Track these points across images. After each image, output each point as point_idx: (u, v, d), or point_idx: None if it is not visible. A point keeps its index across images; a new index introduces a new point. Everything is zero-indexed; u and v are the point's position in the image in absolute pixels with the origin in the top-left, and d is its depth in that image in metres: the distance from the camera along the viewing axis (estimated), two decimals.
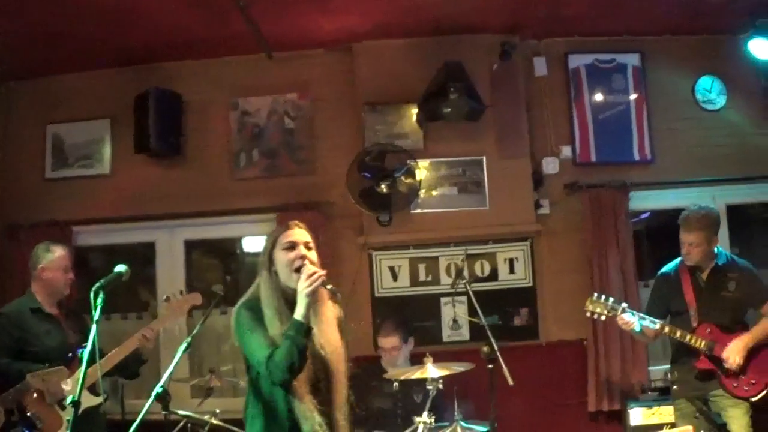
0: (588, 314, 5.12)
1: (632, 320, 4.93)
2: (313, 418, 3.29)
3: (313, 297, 3.29)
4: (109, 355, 4.85)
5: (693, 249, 5.04)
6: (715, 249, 5.12)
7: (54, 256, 5.07)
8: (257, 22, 5.97)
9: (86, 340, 4.93)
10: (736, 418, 4.84)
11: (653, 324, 4.95)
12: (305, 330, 3.24)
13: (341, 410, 3.44)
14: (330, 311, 3.52)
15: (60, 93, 6.90)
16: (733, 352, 4.79)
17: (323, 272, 3.32)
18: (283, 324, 3.29)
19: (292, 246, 3.43)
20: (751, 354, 4.85)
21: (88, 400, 4.72)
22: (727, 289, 5.01)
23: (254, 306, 3.41)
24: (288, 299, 3.37)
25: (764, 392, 4.83)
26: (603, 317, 5.08)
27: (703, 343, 4.85)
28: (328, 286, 3.37)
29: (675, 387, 5.19)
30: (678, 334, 4.89)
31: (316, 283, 3.26)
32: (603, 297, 5.07)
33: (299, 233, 3.50)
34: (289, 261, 3.40)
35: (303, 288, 3.26)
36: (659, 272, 5.38)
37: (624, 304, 5.02)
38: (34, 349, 4.89)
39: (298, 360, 3.20)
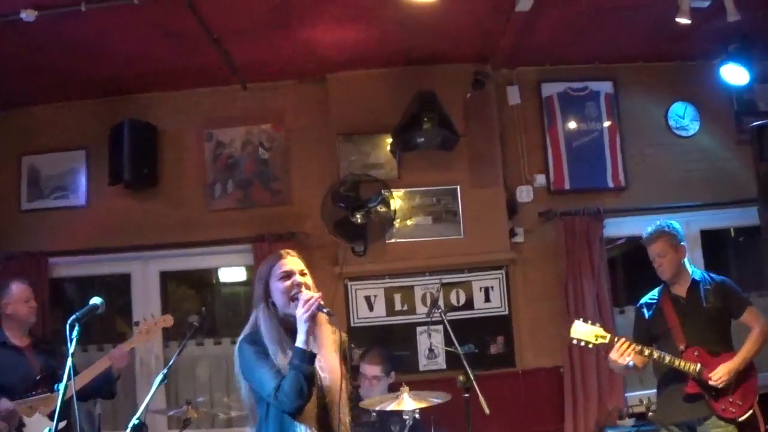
0: (574, 342, 4.97)
1: (627, 353, 4.79)
2: None
3: (312, 322, 3.32)
4: (77, 377, 4.84)
5: (663, 260, 5.06)
6: (688, 264, 5.13)
7: (12, 290, 5.21)
8: (230, 53, 5.99)
9: (54, 370, 5.02)
10: None
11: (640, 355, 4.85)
12: (309, 357, 3.28)
13: None
14: (328, 335, 3.54)
15: (35, 124, 6.89)
16: (723, 374, 4.75)
17: (319, 294, 3.36)
18: (286, 354, 3.33)
19: (287, 275, 3.47)
20: (737, 376, 4.82)
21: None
22: (707, 301, 4.99)
23: (256, 339, 3.44)
24: (288, 328, 3.40)
25: (750, 412, 4.82)
26: (590, 345, 4.95)
27: (691, 366, 4.79)
28: (325, 309, 3.38)
29: (651, 414, 5.17)
30: (667, 359, 4.82)
31: (313, 308, 3.29)
32: (590, 323, 4.93)
33: (293, 261, 3.53)
34: (286, 290, 3.43)
35: (301, 314, 3.29)
36: (640, 301, 5.34)
37: (621, 337, 4.88)
38: None
39: (306, 386, 3.24)
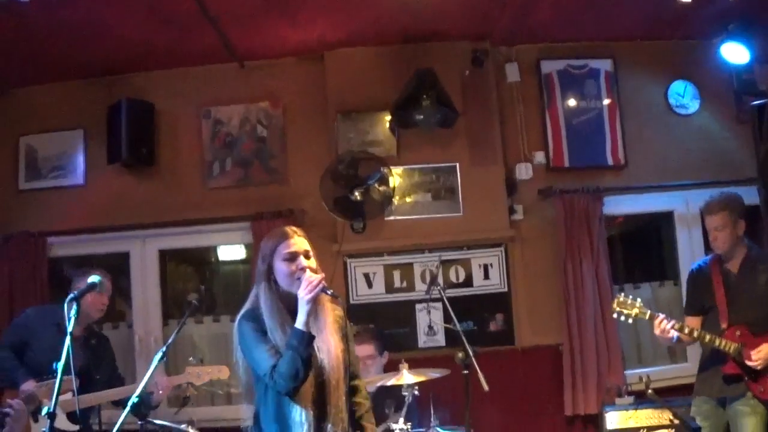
0: (615, 315, 4.90)
1: (670, 328, 4.74)
2: (305, 427, 3.33)
3: (314, 304, 3.30)
4: (98, 393, 4.96)
5: (719, 233, 4.88)
6: (745, 239, 4.96)
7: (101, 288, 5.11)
8: (227, 33, 5.98)
9: (94, 363, 5.03)
10: (750, 426, 4.70)
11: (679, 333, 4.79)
12: (307, 339, 3.26)
13: (336, 418, 3.43)
14: (330, 317, 3.53)
15: (32, 105, 6.86)
16: (763, 356, 4.64)
17: (322, 275, 3.35)
18: (285, 333, 3.32)
19: (292, 257, 3.42)
20: None
21: (64, 425, 4.79)
22: (760, 282, 4.83)
23: (255, 316, 3.43)
24: (289, 306, 3.38)
25: None
26: (630, 320, 4.88)
27: (732, 347, 4.68)
28: (329, 291, 3.36)
29: (650, 391, 5.13)
30: (707, 338, 4.73)
31: (316, 290, 3.27)
32: (630, 298, 4.86)
33: (299, 242, 3.48)
34: (290, 273, 3.40)
35: (304, 295, 3.27)
36: (692, 267, 5.22)
37: (662, 315, 4.80)
38: (33, 355, 5.03)
39: (302, 369, 3.23)
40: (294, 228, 3.56)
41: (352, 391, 3.64)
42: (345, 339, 3.59)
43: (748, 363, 4.66)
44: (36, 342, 5.08)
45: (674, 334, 4.76)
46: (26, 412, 4.72)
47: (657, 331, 4.78)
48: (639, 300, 4.85)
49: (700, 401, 4.97)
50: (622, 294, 4.94)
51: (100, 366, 5.17)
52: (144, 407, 5.13)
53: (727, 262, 4.97)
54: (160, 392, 5.07)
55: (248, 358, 3.41)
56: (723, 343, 4.71)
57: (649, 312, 4.81)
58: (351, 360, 3.62)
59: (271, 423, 3.42)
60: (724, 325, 4.81)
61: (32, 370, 4.94)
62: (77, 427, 4.87)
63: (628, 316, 4.84)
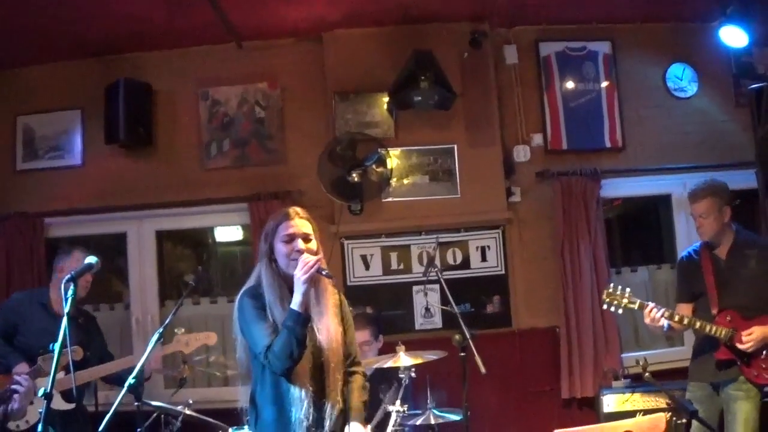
0: (605, 306, 4.93)
1: (660, 316, 4.74)
2: (303, 406, 3.37)
3: (310, 284, 3.34)
4: (93, 369, 4.95)
5: (704, 221, 4.88)
6: (732, 225, 4.95)
7: (73, 257, 5.15)
8: (226, 11, 5.95)
9: (85, 341, 5.03)
10: (743, 410, 4.71)
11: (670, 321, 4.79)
12: (303, 319, 3.30)
13: (333, 398, 3.47)
14: (330, 298, 3.57)
15: (29, 84, 6.84)
16: (754, 338, 4.63)
17: (319, 257, 3.38)
18: (284, 309, 3.36)
19: (290, 238, 3.47)
20: None
21: (59, 404, 4.80)
22: (748, 266, 4.85)
23: (257, 293, 3.48)
24: (290, 286, 3.41)
25: None
26: (620, 310, 4.91)
27: (723, 332, 4.68)
28: (324, 272, 3.39)
29: (647, 374, 5.13)
30: (698, 325, 4.73)
31: (312, 270, 3.30)
32: (620, 289, 4.88)
33: (300, 224, 3.52)
34: (287, 254, 3.45)
35: (299, 276, 3.30)
36: (681, 254, 5.22)
37: (651, 303, 4.81)
38: (23, 339, 5.02)
39: (297, 349, 3.27)
40: (298, 209, 3.61)
41: (351, 375, 3.68)
42: (344, 323, 3.63)
43: (740, 346, 4.67)
44: (24, 325, 5.09)
45: (665, 322, 4.76)
46: (33, 387, 4.76)
47: (647, 320, 4.80)
48: (628, 290, 4.88)
49: (695, 387, 4.99)
50: (612, 284, 4.96)
51: (90, 344, 5.16)
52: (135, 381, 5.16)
53: (716, 248, 4.99)
54: (151, 364, 5.06)
55: (246, 335, 3.46)
56: (714, 328, 4.72)
57: (638, 302, 4.82)
58: (350, 346, 3.67)
59: (268, 404, 3.46)
60: (714, 311, 4.83)
61: (23, 353, 4.95)
62: (72, 406, 4.88)
63: (618, 306, 4.86)
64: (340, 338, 3.55)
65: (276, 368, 3.32)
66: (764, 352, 4.70)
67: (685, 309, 4.99)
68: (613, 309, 4.88)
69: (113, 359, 5.32)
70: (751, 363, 4.71)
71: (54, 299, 5.14)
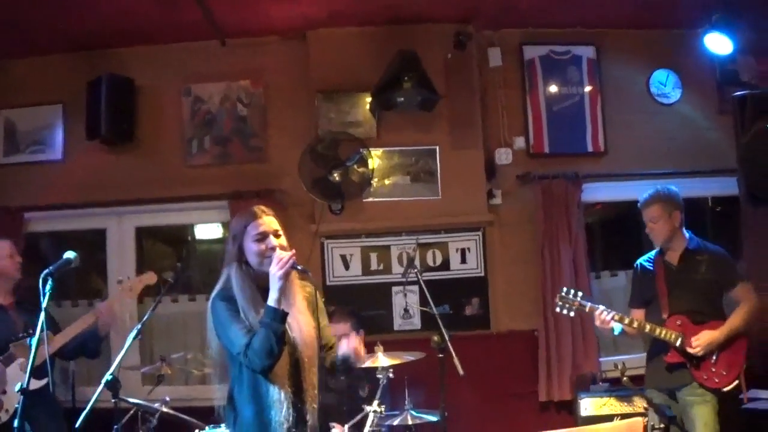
0: (557, 309, 5.07)
1: (609, 319, 4.85)
2: (283, 408, 3.36)
3: (286, 280, 3.31)
4: (61, 332, 4.90)
5: (655, 225, 5.02)
6: (684, 231, 5.08)
7: None
8: (210, 8, 5.94)
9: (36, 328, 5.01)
10: (701, 415, 4.79)
11: (621, 326, 4.93)
12: (281, 315, 3.28)
13: (311, 395, 3.46)
14: (299, 292, 3.55)
15: (11, 78, 6.79)
16: (702, 343, 4.75)
17: (292, 252, 3.35)
18: (257, 313, 3.34)
19: (262, 237, 3.45)
20: (723, 345, 4.82)
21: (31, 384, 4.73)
22: (698, 272, 4.96)
23: (229, 296, 3.44)
24: (261, 285, 3.40)
25: (735, 383, 4.82)
26: (572, 313, 5.04)
27: (673, 335, 4.80)
28: (299, 267, 3.38)
29: (625, 378, 5.17)
30: (648, 328, 4.85)
31: (287, 266, 3.29)
32: (572, 293, 5.01)
33: (268, 221, 3.51)
34: (260, 252, 3.43)
35: (275, 272, 3.28)
36: (637, 261, 5.33)
37: (601, 306, 4.94)
38: None
39: (276, 346, 3.25)
40: (263, 207, 3.59)
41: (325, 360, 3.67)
42: (316, 315, 3.59)
43: (689, 350, 4.78)
44: None
45: (615, 325, 4.89)
46: (3, 373, 4.75)
47: (597, 323, 4.92)
48: (580, 293, 5.02)
49: (651, 394, 5.07)
50: (565, 288, 5.08)
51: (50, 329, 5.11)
52: (92, 342, 5.14)
53: (666, 253, 5.12)
54: (105, 317, 5.02)
55: (222, 338, 3.43)
56: (664, 332, 4.84)
57: (589, 305, 4.95)
58: (323, 333, 3.62)
59: (246, 403, 3.44)
60: (665, 316, 4.95)
61: None
62: (44, 382, 4.79)
63: (569, 309, 5.00)
64: (313, 331, 3.52)
65: (256, 366, 3.29)
66: (714, 357, 4.82)
67: (637, 314, 5.13)
68: (565, 312, 5.04)
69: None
70: (700, 366, 4.83)
71: None
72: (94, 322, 4.99)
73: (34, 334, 4.81)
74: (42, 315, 3.35)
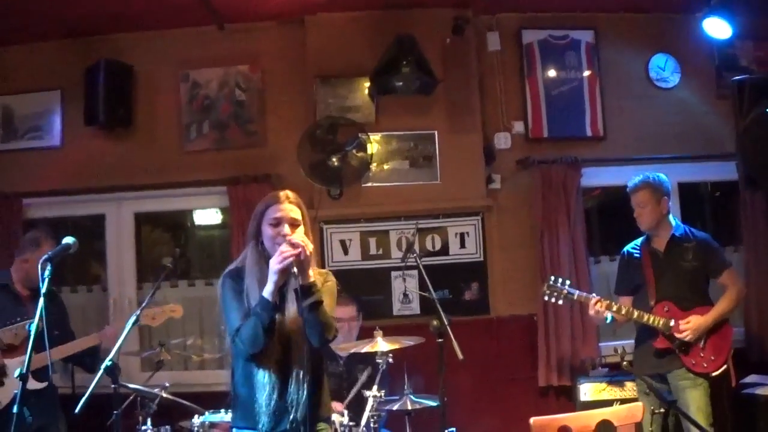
0: (545, 298, 5.17)
1: (602, 310, 4.94)
2: (267, 390, 3.39)
3: (282, 276, 3.31)
4: (61, 348, 4.93)
5: (642, 210, 5.08)
6: (671, 218, 5.16)
7: (41, 251, 4.99)
8: None
9: (52, 321, 5.00)
10: (694, 399, 4.84)
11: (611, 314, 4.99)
12: (271, 307, 3.30)
13: (298, 378, 3.44)
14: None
15: (9, 64, 6.78)
16: (690, 327, 4.82)
17: (298, 250, 3.29)
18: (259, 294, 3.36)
19: (277, 223, 3.46)
20: (711, 330, 4.89)
21: (30, 384, 4.74)
22: (684, 259, 5.03)
23: (238, 275, 3.49)
24: None
25: (723, 367, 4.88)
26: (560, 301, 5.15)
27: (660, 321, 4.88)
28: (294, 269, 3.30)
29: (625, 363, 5.19)
30: (636, 315, 4.93)
31: (285, 263, 3.27)
32: (560, 281, 5.09)
33: (288, 208, 3.51)
34: (272, 237, 3.44)
35: (273, 265, 3.30)
36: (623, 249, 5.40)
37: (593, 295, 5.04)
38: None
39: (262, 336, 3.27)
40: (289, 193, 3.60)
41: None
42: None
43: (677, 335, 4.86)
44: None
45: (605, 315, 4.97)
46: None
47: (591, 312, 5.02)
48: (568, 282, 5.15)
49: (641, 381, 5.08)
50: (553, 277, 5.18)
51: (57, 323, 5.12)
52: (90, 360, 5.20)
53: (653, 240, 5.19)
54: (109, 342, 4.98)
55: (224, 316, 3.49)
56: (652, 319, 4.92)
57: (577, 293, 5.08)
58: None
59: (241, 386, 3.49)
60: (652, 302, 5.03)
61: None
62: (44, 385, 4.87)
63: (558, 297, 5.12)
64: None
65: (242, 352, 3.36)
66: (702, 342, 4.88)
67: (624, 301, 5.20)
68: (553, 300, 5.16)
69: (74, 338, 5.28)
70: (689, 352, 4.89)
71: (16, 280, 5.13)
72: (97, 345, 5.06)
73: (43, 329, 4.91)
74: (41, 301, 3.34)
